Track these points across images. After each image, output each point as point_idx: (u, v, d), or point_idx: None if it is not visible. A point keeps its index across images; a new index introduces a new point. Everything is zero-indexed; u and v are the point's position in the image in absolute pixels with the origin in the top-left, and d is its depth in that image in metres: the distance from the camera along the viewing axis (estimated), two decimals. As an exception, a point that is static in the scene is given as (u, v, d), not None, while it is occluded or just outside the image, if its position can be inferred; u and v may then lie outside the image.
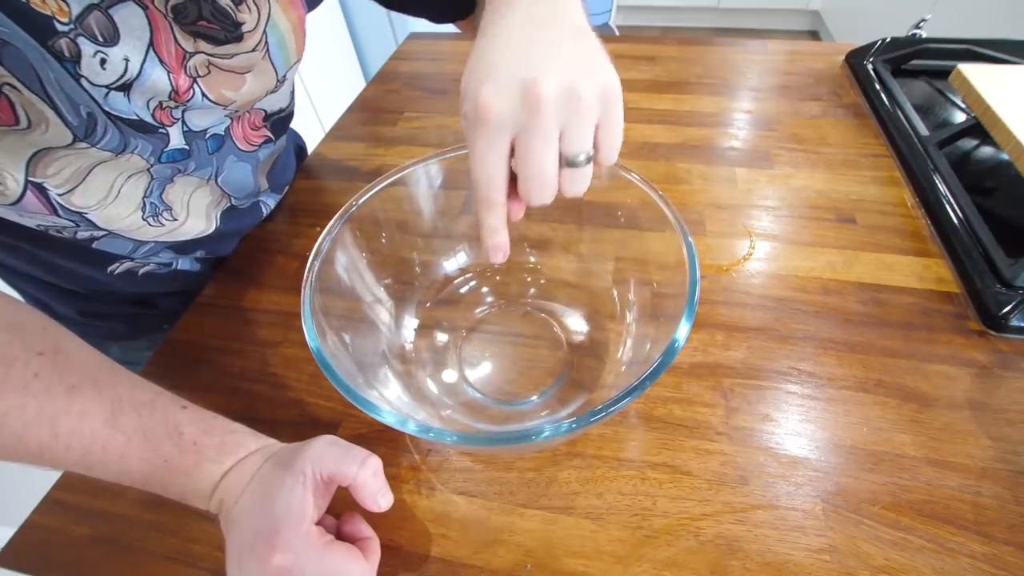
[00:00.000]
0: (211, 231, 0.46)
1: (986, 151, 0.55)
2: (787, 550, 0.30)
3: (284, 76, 0.42)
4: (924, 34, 0.68)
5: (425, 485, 0.34)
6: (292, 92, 0.50)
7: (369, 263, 0.39)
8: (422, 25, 0.55)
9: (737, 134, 0.61)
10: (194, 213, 0.44)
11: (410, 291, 0.43)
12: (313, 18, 0.43)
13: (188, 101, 0.35)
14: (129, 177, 0.37)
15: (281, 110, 0.48)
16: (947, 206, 0.47)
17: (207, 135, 0.41)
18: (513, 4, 0.26)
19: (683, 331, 0.28)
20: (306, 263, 0.32)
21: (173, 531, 0.33)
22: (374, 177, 0.37)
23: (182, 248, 0.47)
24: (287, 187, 0.58)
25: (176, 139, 0.38)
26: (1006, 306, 0.39)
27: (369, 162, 0.62)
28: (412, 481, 0.35)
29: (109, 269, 0.45)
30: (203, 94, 0.36)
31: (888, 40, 0.69)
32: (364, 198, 0.37)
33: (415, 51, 0.82)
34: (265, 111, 0.46)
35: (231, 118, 0.43)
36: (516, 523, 0.32)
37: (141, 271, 0.47)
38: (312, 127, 1.56)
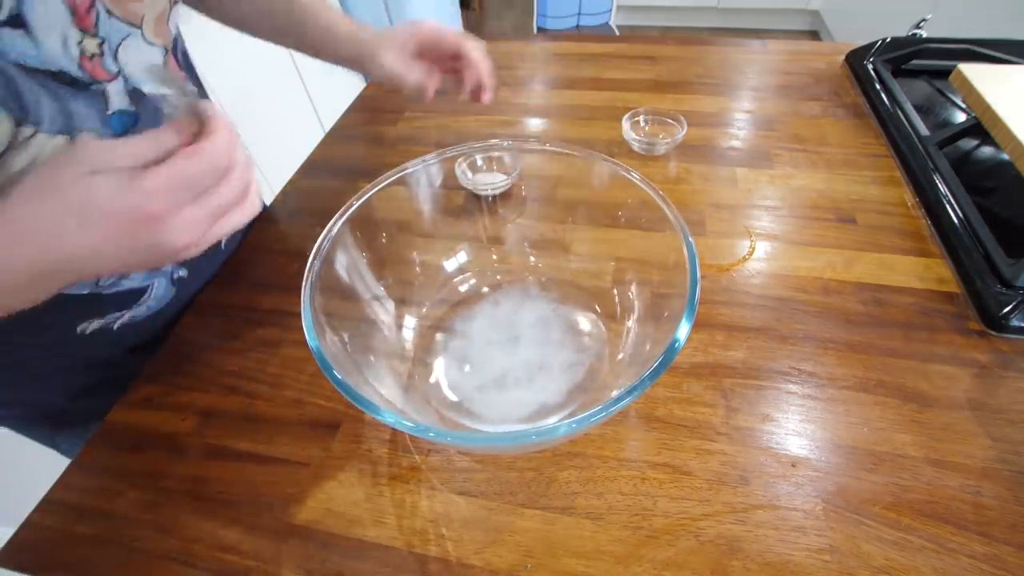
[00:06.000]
0: None
1: (986, 151, 0.55)
2: (787, 550, 0.30)
3: None
4: (924, 34, 0.68)
5: (425, 485, 0.34)
6: None
7: (369, 263, 0.39)
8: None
9: (737, 134, 0.61)
10: None
11: (410, 291, 0.43)
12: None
13: (96, 25, 0.31)
14: None
15: (177, 36, 0.43)
16: (947, 206, 0.47)
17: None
18: None
19: (683, 331, 0.28)
20: (306, 263, 0.32)
21: (173, 531, 0.33)
22: (374, 177, 0.37)
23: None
24: None
25: (118, 100, 0.34)
26: (1006, 306, 0.39)
27: (369, 162, 0.62)
28: (412, 481, 0.35)
29: (79, 329, 0.40)
30: (108, 11, 0.32)
31: (888, 40, 0.69)
32: (364, 198, 0.37)
33: (415, 51, 0.82)
34: (174, 35, 0.41)
35: (167, 62, 0.38)
36: (516, 523, 0.32)
37: (116, 324, 0.42)
38: (312, 127, 1.56)
